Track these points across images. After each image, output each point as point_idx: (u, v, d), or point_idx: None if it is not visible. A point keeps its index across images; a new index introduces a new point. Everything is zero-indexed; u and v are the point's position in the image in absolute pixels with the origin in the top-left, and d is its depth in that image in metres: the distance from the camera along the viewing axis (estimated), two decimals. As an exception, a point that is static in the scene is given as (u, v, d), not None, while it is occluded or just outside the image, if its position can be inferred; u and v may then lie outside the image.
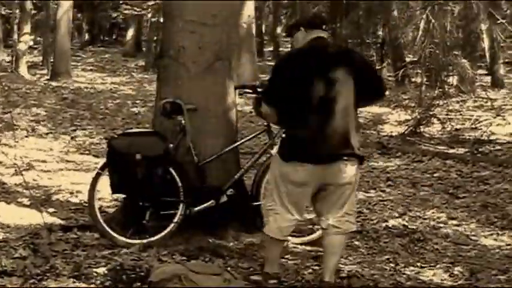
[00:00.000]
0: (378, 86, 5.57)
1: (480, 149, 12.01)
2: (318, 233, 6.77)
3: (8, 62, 26.39)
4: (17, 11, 28.24)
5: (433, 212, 8.22)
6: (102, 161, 6.43)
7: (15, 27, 28.41)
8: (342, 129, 5.18)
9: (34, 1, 30.03)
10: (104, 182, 6.41)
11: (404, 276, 5.92)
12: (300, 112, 5.21)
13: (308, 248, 6.56)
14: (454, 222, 7.82)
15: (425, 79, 15.22)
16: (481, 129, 13.44)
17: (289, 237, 6.59)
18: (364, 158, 5.53)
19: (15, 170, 8.98)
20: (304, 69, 5.24)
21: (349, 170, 5.30)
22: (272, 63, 32.26)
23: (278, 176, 5.36)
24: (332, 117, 5.15)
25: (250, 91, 7.03)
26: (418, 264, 6.24)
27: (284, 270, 5.84)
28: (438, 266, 6.22)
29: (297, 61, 5.37)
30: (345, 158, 5.24)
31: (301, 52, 5.49)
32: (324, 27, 5.54)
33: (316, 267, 5.96)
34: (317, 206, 5.49)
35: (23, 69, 25.49)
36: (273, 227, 5.40)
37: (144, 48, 35.72)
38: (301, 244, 6.63)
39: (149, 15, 31.12)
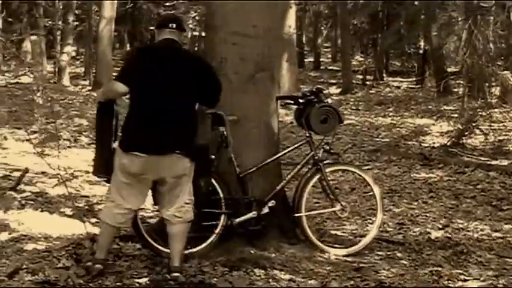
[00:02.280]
0: (214, 88, 5.91)
1: (524, 161, 11.88)
2: (360, 244, 6.76)
3: (51, 73, 26.66)
4: (60, 22, 28.54)
5: (476, 224, 8.13)
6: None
7: (58, 38, 28.70)
8: (176, 125, 5.63)
9: (77, 12, 30.36)
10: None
11: (448, 289, 5.87)
12: (138, 103, 5.66)
13: (350, 259, 6.50)
14: (498, 234, 7.73)
15: (467, 90, 15.10)
16: (524, 140, 13.30)
17: (331, 249, 6.61)
18: (196, 154, 5.80)
19: (58, 180, 9.04)
20: (148, 65, 5.69)
21: (182, 163, 5.69)
22: (313, 74, 32.33)
23: (118, 166, 5.75)
24: (167, 112, 5.60)
25: (292, 102, 7.04)
26: (462, 277, 6.15)
27: (326, 282, 5.81)
28: (482, 279, 6.13)
29: (146, 56, 5.85)
30: (177, 151, 5.63)
31: (151, 48, 6.38)
32: (172, 26, 5.85)
33: (358, 279, 5.92)
34: (158, 197, 5.94)
35: (65, 80, 25.76)
36: (107, 213, 5.86)
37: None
38: (343, 256, 6.58)
39: (190, 26, 31.30)
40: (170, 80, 5.66)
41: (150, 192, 6.19)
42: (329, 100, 7.39)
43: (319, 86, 7.68)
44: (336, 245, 6.85)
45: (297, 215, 6.66)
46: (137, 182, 5.75)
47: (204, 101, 5.90)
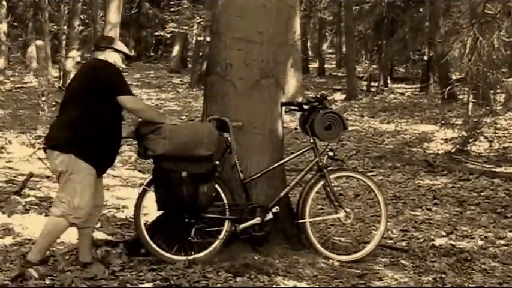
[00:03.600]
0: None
1: (528, 168, 11.86)
2: (364, 251, 6.75)
3: (56, 78, 26.70)
4: (65, 27, 28.58)
5: (480, 232, 8.12)
6: (148, 177, 6.44)
7: (63, 43, 28.75)
8: (55, 123, 6.18)
9: (82, 17, 30.42)
10: (150, 198, 6.43)
11: (452, 296, 5.85)
12: None
13: (354, 265, 6.49)
14: (502, 242, 7.71)
15: (472, 97, 15.08)
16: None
17: (335, 256, 6.60)
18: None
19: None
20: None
21: (51, 158, 5.98)
22: (318, 80, 32.30)
23: None
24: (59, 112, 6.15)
25: (297, 108, 7.03)
26: (466, 284, 6.14)
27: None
28: (486, 286, 6.12)
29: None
30: (50, 146, 5.99)
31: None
32: (100, 47, 6.25)
33: (362, 286, 5.91)
34: None
35: (70, 85, 25.75)
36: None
37: (189, 65, 35.94)
38: (346, 262, 6.57)
39: (195, 31, 31.32)
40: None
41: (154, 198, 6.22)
42: (333, 107, 7.38)
43: (323, 92, 7.70)
44: (340, 252, 6.84)
45: (300, 221, 6.65)
46: None
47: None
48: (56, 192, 9.39)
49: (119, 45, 6.33)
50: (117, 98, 5.94)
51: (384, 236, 7.18)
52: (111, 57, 6.18)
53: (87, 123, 5.90)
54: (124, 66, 6.32)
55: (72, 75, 25.91)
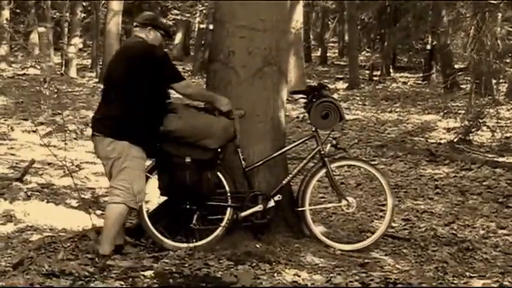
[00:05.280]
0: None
1: (531, 158, 11.85)
2: (368, 240, 6.74)
3: (58, 65, 26.69)
4: (67, 14, 28.56)
5: (482, 221, 8.11)
6: (150, 163, 6.44)
7: (66, 30, 28.73)
8: (103, 110, 6.14)
9: (84, 4, 30.37)
10: (152, 185, 6.43)
11: (453, 285, 5.83)
12: None
13: (355, 254, 6.49)
14: (504, 231, 7.71)
15: (474, 86, 15.06)
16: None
17: (337, 244, 6.59)
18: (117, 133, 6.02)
19: (64, 172, 9.06)
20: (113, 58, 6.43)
21: (101, 145, 6.03)
22: (320, 69, 32.28)
23: None
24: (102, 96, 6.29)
25: (304, 96, 7.01)
26: (467, 273, 6.13)
27: (331, 277, 5.81)
28: (488, 276, 6.11)
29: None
30: (96, 133, 6.08)
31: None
32: (139, 24, 6.31)
33: (364, 275, 5.91)
34: None
35: (72, 72, 25.80)
36: None
37: (192, 53, 35.92)
38: (348, 251, 6.57)
39: (197, 19, 31.30)
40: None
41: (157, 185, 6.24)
42: (335, 95, 7.37)
43: (321, 82, 7.67)
44: (341, 240, 6.84)
45: (300, 209, 6.64)
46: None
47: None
48: (55, 179, 9.43)
49: (160, 22, 6.44)
50: (173, 85, 6.13)
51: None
52: (152, 35, 6.25)
53: (138, 110, 5.99)
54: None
55: (74, 62, 26.09)
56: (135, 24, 6.41)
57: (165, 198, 6.54)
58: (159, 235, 6.31)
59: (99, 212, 7.76)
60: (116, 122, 5.99)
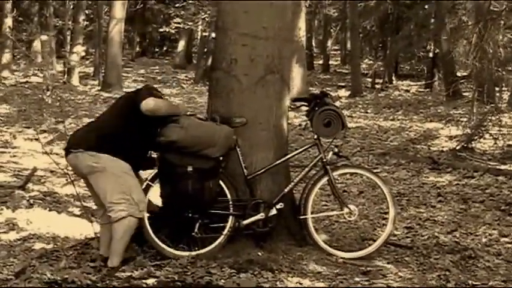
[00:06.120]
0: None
1: (533, 165, 11.84)
2: (370, 248, 6.73)
3: (61, 73, 26.72)
4: (70, 22, 28.60)
5: (484, 229, 8.10)
6: (152, 172, 6.43)
7: (68, 38, 28.77)
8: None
9: (87, 12, 30.41)
10: (154, 194, 6.43)
11: (456, 293, 5.84)
12: None
13: (358, 262, 6.48)
14: (507, 239, 7.70)
15: (476, 94, 15.06)
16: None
17: (340, 252, 6.59)
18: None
19: (67, 180, 9.06)
20: None
21: (79, 161, 6.02)
22: (322, 77, 32.29)
23: None
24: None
25: (306, 104, 7.01)
26: (470, 282, 6.12)
27: (333, 285, 5.80)
28: (490, 284, 6.10)
29: None
30: (71, 150, 6.07)
31: None
32: None
33: (366, 283, 5.90)
34: None
35: (75, 80, 25.83)
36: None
37: (194, 61, 35.96)
38: (351, 259, 6.56)
39: (200, 27, 31.35)
40: None
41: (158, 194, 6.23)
42: (337, 103, 7.36)
43: (323, 90, 7.67)
44: (343, 248, 6.83)
45: (302, 217, 6.64)
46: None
47: None
48: (57, 187, 9.43)
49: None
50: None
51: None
52: None
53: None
54: None
55: (76, 70, 26.10)
56: None
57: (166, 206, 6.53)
58: (161, 243, 6.31)
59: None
60: (96, 137, 6.06)
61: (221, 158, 6.27)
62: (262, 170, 6.54)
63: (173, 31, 34.22)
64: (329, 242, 6.82)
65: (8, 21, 27.32)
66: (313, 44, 40.85)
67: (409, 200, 9.69)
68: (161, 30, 36.66)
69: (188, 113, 6.52)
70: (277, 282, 5.78)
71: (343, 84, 29.40)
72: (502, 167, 11.94)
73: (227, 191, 6.38)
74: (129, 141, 6.04)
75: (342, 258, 6.54)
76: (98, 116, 6.51)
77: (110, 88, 23.37)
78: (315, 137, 6.76)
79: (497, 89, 16.70)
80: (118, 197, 5.94)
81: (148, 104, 5.99)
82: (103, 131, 6.08)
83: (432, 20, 26.19)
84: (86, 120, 15.51)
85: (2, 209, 8.17)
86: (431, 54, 27.61)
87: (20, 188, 9.19)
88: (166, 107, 6.21)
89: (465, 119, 15.02)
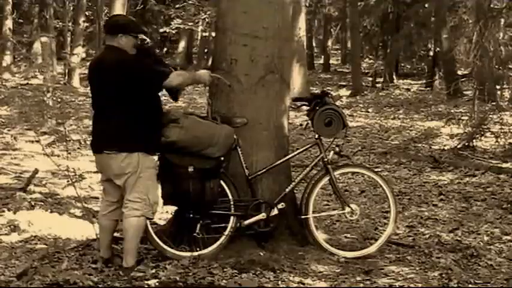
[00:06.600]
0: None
1: (535, 163, 11.82)
2: (371, 247, 6.73)
3: (61, 74, 26.71)
4: (70, 23, 28.61)
5: (486, 227, 8.08)
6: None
7: (68, 39, 28.77)
8: (103, 124, 6.00)
9: (87, 14, 30.41)
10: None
11: (458, 292, 5.83)
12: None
13: (359, 261, 6.48)
14: (509, 237, 7.69)
15: (477, 92, 15.05)
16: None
17: (341, 251, 6.58)
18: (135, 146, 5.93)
19: (68, 182, 9.06)
20: (89, 72, 6.21)
21: (114, 162, 5.88)
22: (323, 76, 32.31)
23: None
24: (97, 113, 6.09)
25: (307, 103, 7.01)
26: (472, 280, 6.12)
27: (335, 284, 5.80)
28: (492, 282, 6.10)
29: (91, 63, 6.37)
30: (106, 151, 5.90)
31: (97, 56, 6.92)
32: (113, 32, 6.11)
33: (368, 282, 5.90)
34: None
35: (75, 82, 25.82)
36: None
37: (194, 61, 35.96)
38: (352, 258, 6.55)
39: (200, 28, 31.34)
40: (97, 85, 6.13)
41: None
42: (338, 103, 7.36)
43: (324, 89, 7.67)
44: (345, 247, 6.83)
45: (304, 216, 6.64)
46: (103, 179, 6.23)
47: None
48: (58, 189, 9.43)
49: (128, 25, 6.25)
50: (164, 83, 6.04)
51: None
52: (123, 41, 6.08)
53: (139, 121, 5.92)
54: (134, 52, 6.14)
55: (77, 71, 26.10)
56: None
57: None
58: (162, 244, 6.30)
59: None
60: (123, 136, 5.90)
61: (222, 158, 6.26)
62: (264, 170, 6.54)
63: (173, 32, 34.17)
64: (330, 242, 6.82)
65: (8, 23, 27.34)
66: (314, 43, 40.86)
67: (410, 198, 9.68)
68: (161, 30, 36.61)
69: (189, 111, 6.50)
70: (279, 282, 5.78)
71: (343, 83, 29.40)
72: (504, 165, 11.91)
73: (228, 191, 6.38)
74: (152, 129, 5.98)
75: (343, 257, 6.54)
76: (98, 105, 6.10)
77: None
78: (316, 136, 6.76)
79: (498, 87, 16.68)
80: (135, 196, 5.90)
81: (172, 81, 6.02)
82: (129, 127, 5.89)
83: (432, 19, 26.17)
84: (87, 122, 15.56)
85: (3, 211, 8.17)
86: (431, 53, 27.65)
87: (22, 190, 9.19)
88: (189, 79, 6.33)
89: (466, 118, 14.98)
